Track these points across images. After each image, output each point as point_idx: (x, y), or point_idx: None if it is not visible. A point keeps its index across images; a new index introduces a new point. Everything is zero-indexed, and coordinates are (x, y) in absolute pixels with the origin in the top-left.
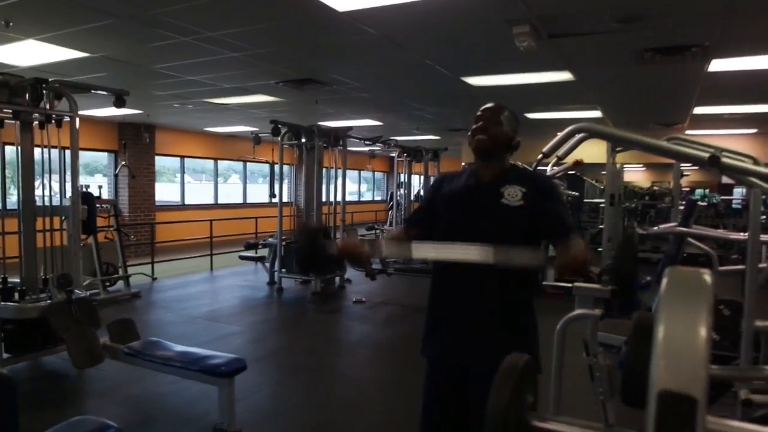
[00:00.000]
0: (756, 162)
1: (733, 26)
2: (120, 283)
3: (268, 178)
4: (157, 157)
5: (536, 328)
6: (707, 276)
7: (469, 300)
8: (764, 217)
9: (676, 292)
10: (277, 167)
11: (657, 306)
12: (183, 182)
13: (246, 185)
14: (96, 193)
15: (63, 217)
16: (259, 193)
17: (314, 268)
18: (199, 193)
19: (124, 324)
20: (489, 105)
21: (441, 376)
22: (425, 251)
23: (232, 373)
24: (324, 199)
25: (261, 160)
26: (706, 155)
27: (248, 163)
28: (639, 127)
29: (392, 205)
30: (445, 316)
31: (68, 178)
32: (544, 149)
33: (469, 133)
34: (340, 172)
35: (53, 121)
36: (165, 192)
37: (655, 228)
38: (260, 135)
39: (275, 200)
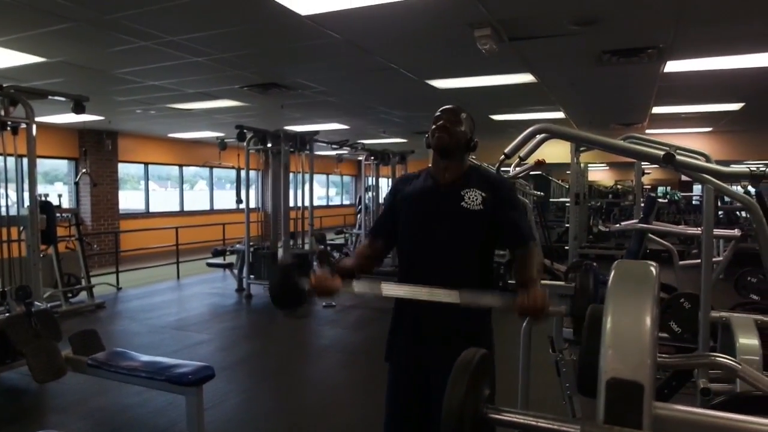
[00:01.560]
0: (708, 159)
1: (685, 29)
2: (83, 294)
3: (235, 184)
4: (120, 165)
5: (491, 329)
6: (652, 268)
7: (428, 304)
8: (721, 212)
9: (622, 283)
10: (243, 173)
11: (606, 298)
12: (147, 189)
13: (213, 191)
14: (56, 202)
15: (21, 228)
16: (226, 199)
17: (287, 305)
18: (164, 200)
19: (88, 335)
20: (448, 106)
21: (402, 381)
22: (395, 291)
23: (200, 382)
24: (292, 204)
25: (227, 165)
26: (662, 153)
27: (215, 169)
28: (600, 127)
29: (361, 208)
30: (405, 321)
31: (26, 187)
32: (506, 150)
33: (429, 134)
34: (307, 176)
35: (8, 128)
36: (129, 200)
37: (618, 225)
38: (226, 140)
39: (242, 206)
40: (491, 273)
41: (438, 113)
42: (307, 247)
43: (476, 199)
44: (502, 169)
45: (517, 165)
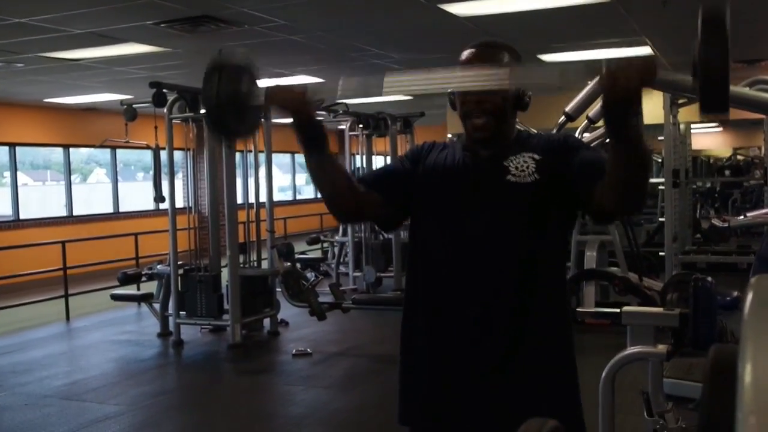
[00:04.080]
0: None
1: None
2: None
3: (151, 173)
4: None
5: (575, 374)
6: None
7: (461, 345)
8: None
9: (767, 312)
10: (164, 155)
11: (741, 335)
12: (15, 184)
13: (117, 184)
14: None
15: None
16: (138, 195)
17: (233, 125)
18: (42, 200)
19: None
20: (482, 44)
21: None
22: (400, 84)
23: None
24: (240, 200)
25: (139, 144)
26: None
27: (119, 150)
28: None
29: None
30: (426, 364)
31: None
32: (568, 108)
33: (456, 105)
34: (262, 157)
35: None
36: None
37: (742, 217)
38: (135, 106)
39: (164, 206)
40: (563, 279)
41: (467, 56)
42: (265, 265)
43: (527, 167)
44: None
45: (585, 130)
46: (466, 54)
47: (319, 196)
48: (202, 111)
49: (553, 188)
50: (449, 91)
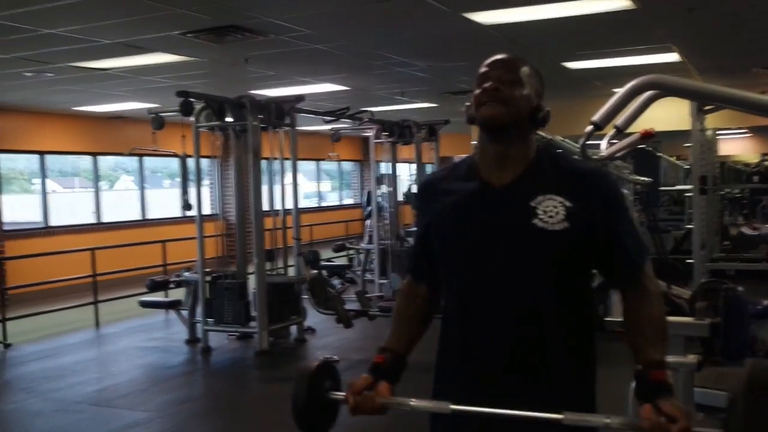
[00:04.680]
0: None
1: None
2: None
3: (178, 180)
4: (2, 155)
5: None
6: None
7: (495, 354)
8: None
9: None
10: (191, 162)
11: None
12: (45, 192)
13: (144, 192)
14: None
15: None
16: (165, 203)
17: (314, 427)
18: (71, 207)
19: None
20: (501, 56)
21: None
22: (471, 410)
23: None
24: (266, 207)
25: (166, 152)
26: None
27: (147, 159)
28: (737, 72)
29: (371, 210)
30: (458, 381)
31: None
32: (595, 117)
33: (470, 101)
34: (288, 164)
35: None
36: (18, 208)
37: None
38: (163, 115)
39: (191, 213)
40: (590, 324)
41: (484, 68)
42: (292, 272)
43: (556, 213)
44: (588, 149)
45: (613, 138)
46: (487, 63)
47: (344, 202)
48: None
49: (581, 240)
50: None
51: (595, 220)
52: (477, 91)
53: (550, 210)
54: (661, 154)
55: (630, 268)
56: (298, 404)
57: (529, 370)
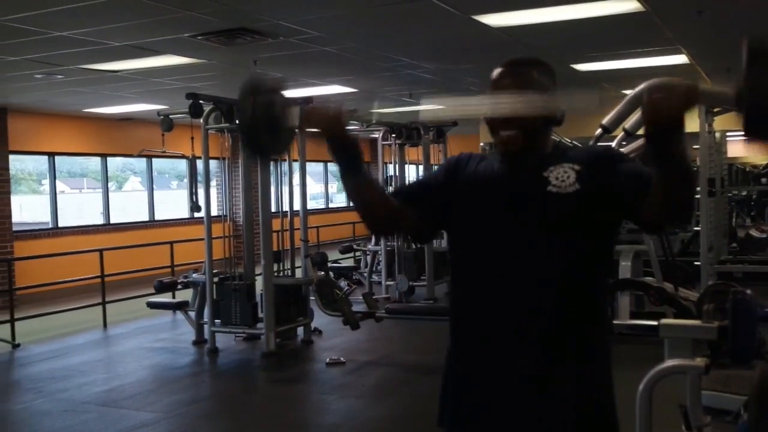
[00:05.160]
0: None
1: None
2: None
3: (186, 181)
4: (12, 157)
5: (613, 386)
6: None
7: (504, 357)
8: None
9: None
10: (199, 164)
11: None
12: (54, 192)
13: (153, 193)
14: None
15: None
16: (173, 204)
17: (267, 145)
18: (79, 208)
19: None
20: (514, 62)
21: None
22: (435, 110)
23: None
24: (274, 208)
25: (175, 154)
26: None
27: (155, 160)
28: None
29: None
30: (469, 380)
31: None
32: (605, 120)
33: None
34: (296, 166)
35: None
36: (27, 209)
37: None
38: (172, 117)
39: (199, 215)
40: (605, 291)
41: (497, 76)
42: (299, 273)
43: (567, 177)
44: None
45: (622, 141)
46: (500, 70)
47: (351, 205)
48: (238, 127)
49: (594, 199)
50: (482, 116)
51: (605, 171)
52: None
53: (562, 176)
54: None
55: (647, 176)
56: (247, 117)
57: (546, 328)
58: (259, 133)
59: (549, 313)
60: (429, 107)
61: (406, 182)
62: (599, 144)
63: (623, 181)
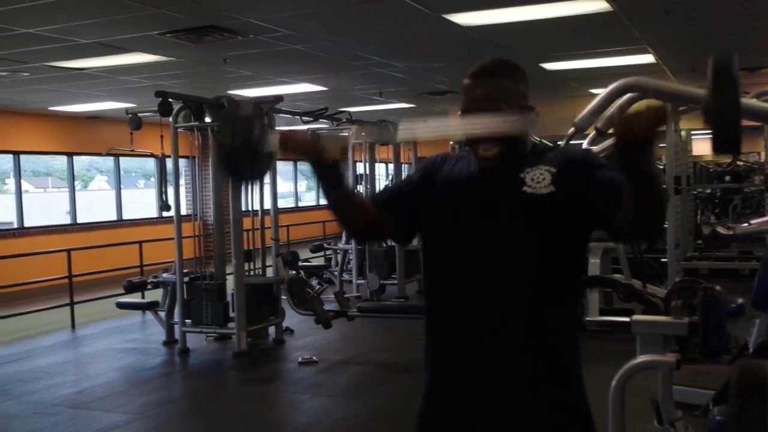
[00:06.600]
0: None
1: None
2: None
3: (154, 180)
4: None
5: (584, 392)
6: None
7: (479, 357)
8: None
9: None
10: (169, 163)
11: None
12: (20, 192)
13: (120, 192)
14: None
15: None
16: (142, 203)
17: (245, 170)
18: (45, 207)
19: None
20: (480, 76)
21: None
22: (413, 131)
23: None
24: (244, 207)
25: (143, 153)
26: None
27: (122, 158)
28: None
29: None
30: (447, 381)
31: None
32: (577, 119)
33: (461, 107)
34: None
35: None
36: None
37: (746, 225)
38: (141, 115)
39: (169, 214)
40: (576, 292)
41: (469, 86)
42: (270, 272)
43: (543, 179)
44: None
45: (594, 141)
46: (473, 75)
47: (321, 203)
48: (217, 153)
49: (569, 202)
50: (458, 137)
51: (581, 176)
52: (464, 108)
53: (537, 177)
54: None
55: (622, 186)
56: (226, 144)
57: (519, 328)
58: (238, 159)
59: (523, 312)
60: (407, 127)
61: (383, 187)
62: (577, 147)
63: (596, 191)
